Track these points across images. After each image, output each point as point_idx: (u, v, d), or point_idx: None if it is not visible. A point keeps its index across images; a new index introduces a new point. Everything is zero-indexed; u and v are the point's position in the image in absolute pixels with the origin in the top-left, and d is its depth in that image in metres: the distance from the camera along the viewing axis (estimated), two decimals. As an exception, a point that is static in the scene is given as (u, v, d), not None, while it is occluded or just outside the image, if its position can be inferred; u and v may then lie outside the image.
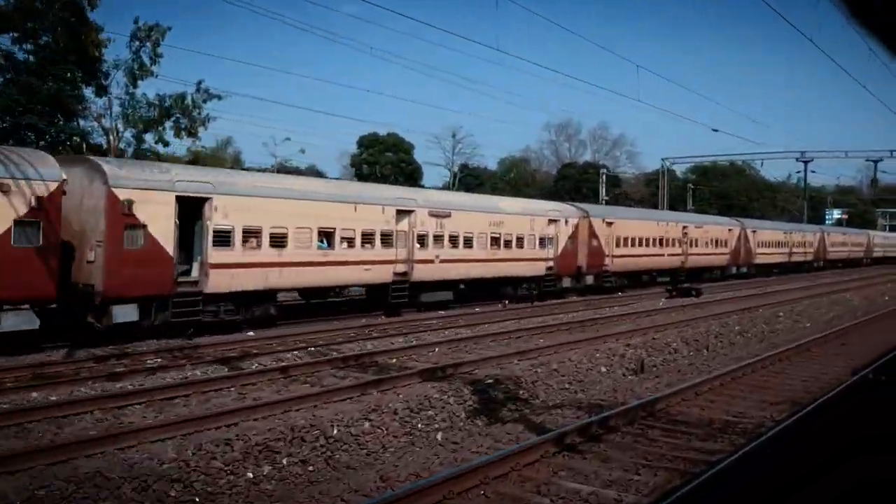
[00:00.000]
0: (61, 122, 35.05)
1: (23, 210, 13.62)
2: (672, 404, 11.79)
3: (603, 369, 15.57)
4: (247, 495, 8.23)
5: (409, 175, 69.60)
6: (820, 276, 51.11)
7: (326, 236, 19.41)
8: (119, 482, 7.87)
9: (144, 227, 15.23)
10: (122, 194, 14.92)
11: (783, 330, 22.89)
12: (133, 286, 14.99)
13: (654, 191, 66.21)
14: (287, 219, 18.02)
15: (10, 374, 13.11)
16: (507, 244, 26.04)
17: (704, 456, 8.97)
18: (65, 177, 14.09)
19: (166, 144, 38.23)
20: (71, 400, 11.22)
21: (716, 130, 62.49)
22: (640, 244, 34.57)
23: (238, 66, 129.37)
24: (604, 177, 68.63)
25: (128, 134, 37.22)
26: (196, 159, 51.33)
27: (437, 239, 22.88)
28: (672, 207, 62.37)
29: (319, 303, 24.33)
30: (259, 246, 17.51)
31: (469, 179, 78.39)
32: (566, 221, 29.26)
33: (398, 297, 21.63)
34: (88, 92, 35.28)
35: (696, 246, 39.90)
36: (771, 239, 51.25)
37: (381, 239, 20.87)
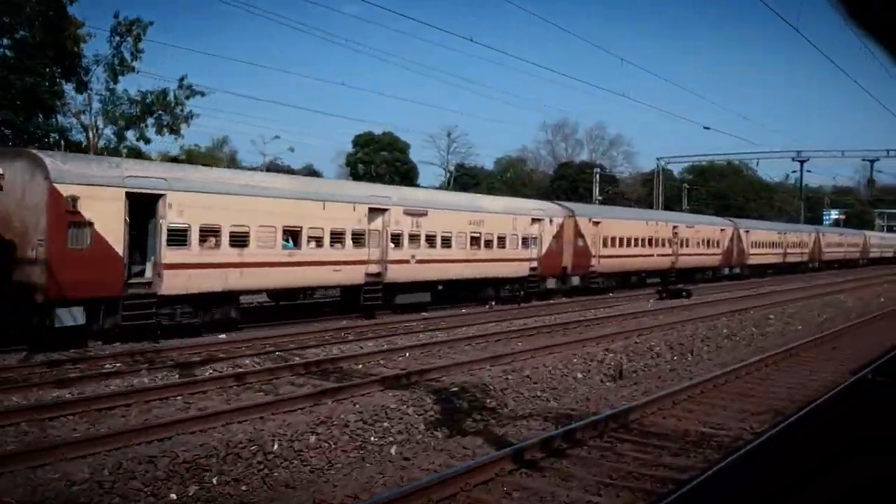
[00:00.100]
0: (40, 119, 34.41)
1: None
2: (646, 414, 11.13)
3: (579, 375, 14.91)
4: (165, 520, 7.54)
5: (405, 174, 69.48)
6: (815, 277, 50.64)
7: (292, 235, 18.69)
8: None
9: (91, 225, 14.49)
10: (65, 190, 14.17)
11: (773, 333, 22.28)
12: (78, 287, 14.24)
13: (650, 191, 65.94)
14: (249, 217, 17.30)
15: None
16: (488, 244, 25.38)
17: (673, 473, 8.30)
18: (1, 171, 13.34)
19: (148, 142, 37.79)
20: (-4, 411, 10.49)
21: (707, 128, 62.06)
22: (629, 244, 33.96)
23: (235, 65, 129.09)
24: (597, 176, 68.29)
25: (108, 131, 36.73)
26: (190, 158, 50.91)
27: (413, 238, 22.18)
28: (668, 207, 62.10)
29: (298, 305, 23.72)
30: (218, 245, 16.78)
31: (465, 179, 78.15)
32: (550, 221, 28.61)
33: (371, 299, 20.92)
34: (69, 88, 34.73)
35: (687, 246, 39.33)
36: (765, 239, 50.74)
37: (353, 238, 20.16)
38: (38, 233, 14.03)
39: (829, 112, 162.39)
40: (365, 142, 70.85)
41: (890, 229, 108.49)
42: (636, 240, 34.60)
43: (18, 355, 14.48)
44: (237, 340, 17.40)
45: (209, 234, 16.70)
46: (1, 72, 31.26)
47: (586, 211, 32.73)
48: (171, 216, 15.85)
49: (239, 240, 17.20)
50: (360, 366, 15.14)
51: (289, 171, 60.44)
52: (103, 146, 37.71)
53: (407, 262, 21.90)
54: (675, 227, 38.28)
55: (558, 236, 28.97)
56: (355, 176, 66.67)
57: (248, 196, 17.40)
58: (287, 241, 18.56)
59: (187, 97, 36.19)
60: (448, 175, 79.88)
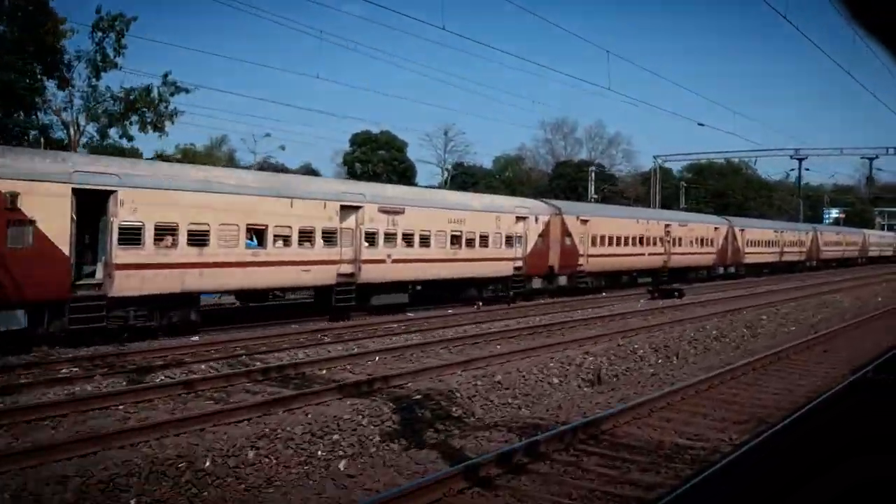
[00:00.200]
0: (21, 116, 33.79)
1: None
2: (620, 424, 10.43)
3: (555, 381, 14.23)
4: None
5: (402, 173, 69.36)
6: (812, 277, 50.03)
7: (257, 234, 17.96)
8: None
9: (33, 223, 13.74)
10: (3, 186, 13.41)
11: (765, 334, 21.61)
12: (18, 289, 13.49)
13: (649, 189, 65.63)
14: (209, 214, 16.56)
15: None
16: (470, 243, 24.66)
17: (640, 492, 7.61)
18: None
19: (131, 139, 37.42)
20: None
21: (701, 125, 61.65)
22: (619, 243, 33.27)
23: (232, 63, 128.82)
24: (593, 174, 67.83)
25: (90, 128, 36.17)
26: (185, 157, 50.48)
27: (389, 237, 21.45)
28: (666, 206, 61.63)
29: (279, 306, 23.07)
30: (175, 244, 16.03)
31: (464, 178, 77.76)
32: (536, 219, 27.92)
33: (344, 301, 20.18)
34: (51, 85, 34.17)
35: (680, 245, 38.67)
36: (761, 238, 50.12)
37: (323, 237, 19.41)
38: (-26, 232, 13.28)
39: (828, 110, 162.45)
40: (362, 141, 70.67)
41: (890, 228, 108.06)
42: (626, 238, 33.93)
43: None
44: (208, 343, 16.79)
45: (165, 232, 15.96)
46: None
47: (574, 209, 32.03)
48: (123, 214, 15.11)
49: (198, 238, 16.45)
50: (324, 371, 14.46)
51: (283, 169, 60.02)
52: (85, 144, 37.28)
53: (382, 261, 21.17)
54: (667, 226, 37.61)
55: (544, 235, 28.28)
56: (353, 175, 66.42)
57: (209, 193, 16.65)
58: (251, 239, 17.81)
59: (172, 94, 35.98)
60: (445, 174, 79.60)
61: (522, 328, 20.67)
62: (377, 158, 69.97)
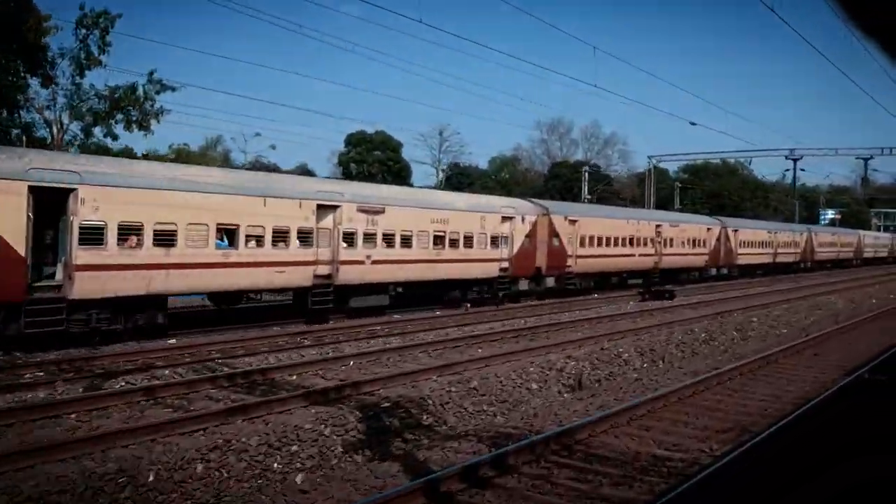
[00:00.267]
0: (3, 114, 33.32)
1: None
2: (596, 433, 9.97)
3: (534, 386, 13.76)
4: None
5: (397, 173, 69.36)
6: (806, 278, 49.80)
7: (228, 234, 17.43)
8: None
9: (-16, 222, 13.20)
10: (-48, 182, 12.89)
11: (755, 337, 21.18)
12: (-30, 292, 12.93)
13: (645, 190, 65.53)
14: (176, 213, 16.02)
15: None
16: (454, 243, 24.17)
17: (610, 510, 7.13)
18: None
19: (115, 138, 37.12)
20: None
21: (693, 124, 61.77)
22: (608, 244, 32.83)
23: (230, 64, 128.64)
24: (586, 174, 67.47)
25: (74, 127, 35.77)
26: (179, 157, 50.17)
27: (369, 237, 20.94)
28: (662, 207, 61.38)
29: (254, 308, 22.57)
30: (140, 244, 15.49)
31: (460, 178, 77.56)
32: (523, 219, 27.45)
33: (321, 303, 19.65)
34: (34, 83, 33.70)
35: (672, 246, 38.27)
36: (754, 239, 49.78)
37: (299, 237, 18.89)
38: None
39: (824, 111, 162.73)
40: (357, 141, 70.71)
41: (886, 229, 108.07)
42: (616, 239, 33.49)
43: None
44: (184, 346, 16.39)
45: (129, 232, 15.41)
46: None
47: (562, 209, 31.57)
48: (84, 213, 14.56)
49: (165, 238, 15.91)
50: (295, 377, 13.98)
51: (275, 168, 59.73)
52: (69, 142, 36.80)
53: (361, 262, 20.66)
54: (658, 226, 37.20)
55: (531, 235, 27.82)
56: (348, 175, 66.40)
57: (176, 191, 16.10)
58: (222, 240, 17.28)
59: (157, 92, 35.73)
60: (442, 174, 79.50)
61: (507, 331, 20.24)
62: (372, 159, 70.01)
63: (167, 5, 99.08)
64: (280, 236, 18.36)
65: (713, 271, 44.16)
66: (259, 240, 17.95)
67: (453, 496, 7.57)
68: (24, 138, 34.18)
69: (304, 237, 19.04)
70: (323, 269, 19.54)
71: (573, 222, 30.54)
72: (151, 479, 8.09)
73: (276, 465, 9.06)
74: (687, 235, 40.13)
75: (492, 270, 26.00)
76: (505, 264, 26.55)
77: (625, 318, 24.16)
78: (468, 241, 24.76)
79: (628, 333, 19.73)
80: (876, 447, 6.86)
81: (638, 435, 10.03)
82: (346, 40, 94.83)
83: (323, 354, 16.20)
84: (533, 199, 31.35)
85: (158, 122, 36.47)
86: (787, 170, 77.92)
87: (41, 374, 13.36)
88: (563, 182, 75.99)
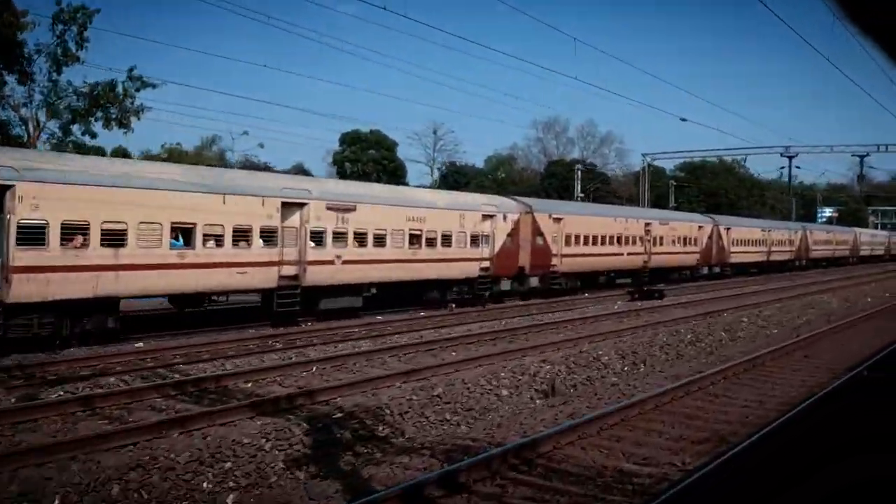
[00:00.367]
0: None
1: None
2: (561, 445, 9.26)
3: (505, 392, 13.06)
4: None
5: (392, 172, 69.29)
6: (801, 276, 49.27)
7: (184, 233, 16.66)
8: None
9: None
10: None
11: (744, 338, 20.54)
12: None
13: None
14: (127, 211, 15.26)
15: None
16: (431, 242, 23.46)
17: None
18: None
19: (94, 136, 36.80)
20: None
21: (684, 120, 61.25)
22: (595, 242, 32.17)
23: (226, 63, 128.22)
24: (579, 172, 67.09)
25: (52, 125, 35.21)
26: (172, 157, 49.62)
27: (339, 236, 20.20)
28: (659, 205, 61.02)
29: (231, 310, 21.88)
30: (86, 244, 14.72)
31: (456, 177, 77.28)
32: (504, 217, 26.77)
33: (287, 305, 18.90)
34: (11, 80, 33.04)
35: (661, 244, 37.64)
36: (747, 237, 49.24)
37: (262, 237, 18.15)
38: None
39: (820, 108, 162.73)
40: (352, 140, 70.64)
41: (884, 227, 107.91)
42: (603, 237, 32.83)
43: None
44: (151, 350, 15.79)
45: (74, 231, 14.64)
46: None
47: (546, 207, 30.91)
48: (22, 211, 13.78)
49: (114, 238, 15.15)
50: (250, 384, 13.25)
51: (265, 168, 59.18)
52: (46, 140, 36.24)
53: (331, 262, 19.92)
54: (647, 224, 36.57)
55: (514, 234, 27.13)
56: (342, 174, 66.24)
57: (127, 188, 15.34)
58: (177, 239, 16.52)
59: (138, 89, 35.38)
60: (437, 173, 79.22)
61: (485, 333, 19.57)
62: (367, 158, 70.03)
63: (166, 5, 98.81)
64: (241, 235, 17.61)
65: (705, 270, 43.59)
66: (218, 239, 17.20)
67: (391, 521, 6.86)
68: (-1, 136, 33.57)
69: (268, 236, 18.30)
70: (289, 270, 18.79)
71: (558, 220, 29.87)
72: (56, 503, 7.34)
73: (205, 484, 8.33)
74: (677, 234, 39.52)
75: (472, 270, 25.30)
76: (486, 264, 25.87)
77: (610, 318, 23.50)
78: (446, 240, 24.06)
79: (611, 335, 19.07)
80: (875, 446, 6.39)
81: (607, 447, 9.34)
82: (342, 40, 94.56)
83: (285, 359, 15.50)
84: (516, 197, 30.71)
85: (139, 119, 36.21)
86: (783, 167, 77.50)
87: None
88: (560, 181, 75.78)
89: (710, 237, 43.11)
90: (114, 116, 35.55)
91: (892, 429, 8.11)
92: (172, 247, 16.27)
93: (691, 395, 12.30)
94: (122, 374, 13.54)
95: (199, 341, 17.28)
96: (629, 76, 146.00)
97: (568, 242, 30.21)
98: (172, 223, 16.15)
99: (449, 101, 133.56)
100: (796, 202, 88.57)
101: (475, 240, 25.34)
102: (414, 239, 22.85)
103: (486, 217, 25.94)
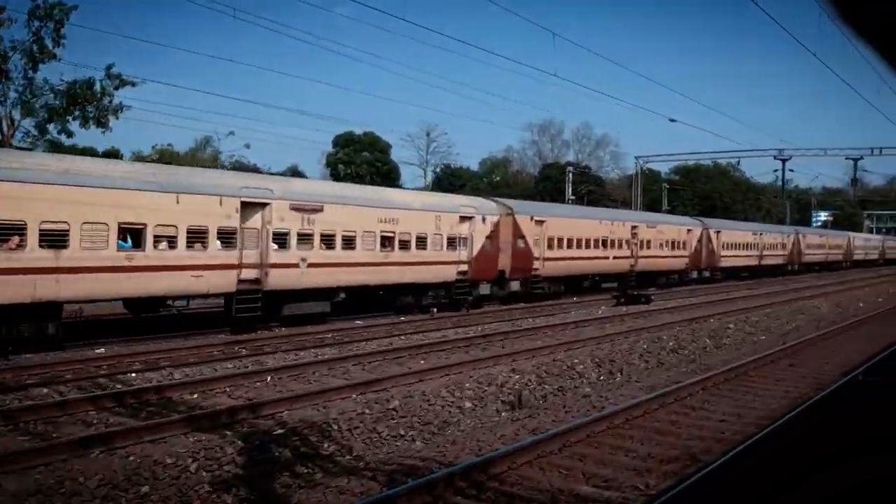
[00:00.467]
0: None
1: None
2: (518, 465, 8.55)
3: (468, 405, 12.35)
4: None
5: (386, 174, 69.14)
6: (793, 281, 48.83)
7: (133, 234, 15.88)
8: None
9: None
10: None
11: (729, 345, 19.90)
12: None
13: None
14: (69, 211, 14.48)
15: None
16: (404, 245, 22.74)
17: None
18: None
19: (70, 135, 36.06)
20: None
21: (673, 120, 61.07)
22: (579, 245, 31.52)
23: (222, 63, 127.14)
24: (570, 175, 66.66)
25: (27, 123, 34.47)
26: (163, 158, 48.86)
27: (304, 238, 19.44)
28: (652, 208, 60.65)
29: (206, 314, 21.19)
30: (23, 246, 13.94)
31: (451, 180, 77.02)
32: (483, 219, 26.08)
33: (248, 311, 18.12)
34: None
35: (649, 248, 37.05)
36: (738, 240, 48.74)
37: (220, 238, 17.38)
38: None
39: (814, 111, 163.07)
40: (345, 142, 70.51)
41: (879, 231, 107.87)
42: (588, 240, 32.18)
43: None
44: (109, 357, 15.21)
45: (9, 232, 13.87)
46: None
47: (527, 208, 30.23)
48: (-51, 209, 13.02)
49: (54, 239, 14.36)
50: (196, 395, 12.53)
51: (254, 169, 58.49)
52: (21, 140, 35.49)
53: (295, 266, 19.16)
54: (633, 227, 35.96)
55: (493, 236, 26.44)
56: (336, 176, 65.86)
57: (68, 186, 14.55)
58: (125, 240, 15.75)
59: (116, 87, 34.50)
60: (431, 175, 78.82)
61: (459, 339, 18.91)
62: (360, 160, 69.93)
63: (167, 5, 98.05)
64: (196, 237, 16.84)
65: (694, 274, 43.03)
66: (171, 241, 16.41)
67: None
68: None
69: (227, 238, 17.54)
70: (249, 274, 18.02)
71: (540, 223, 29.20)
72: (-65, 536, 6.58)
73: (116, 511, 7.58)
74: (665, 237, 38.94)
75: (449, 274, 24.58)
76: (464, 267, 25.16)
77: (591, 324, 22.85)
78: (421, 242, 23.34)
79: (590, 342, 18.43)
80: (872, 448, 5.91)
81: (567, 467, 8.63)
82: (336, 42, 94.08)
83: (240, 368, 14.79)
84: (497, 199, 30.01)
85: (117, 118, 35.50)
86: (776, 170, 77.25)
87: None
88: (554, 183, 75.43)
89: (699, 240, 42.56)
90: (91, 115, 34.84)
91: (888, 431, 7.56)
92: (120, 248, 15.49)
93: (666, 407, 11.62)
94: (70, 383, 12.94)
95: (161, 347, 16.62)
96: (624, 78, 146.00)
97: (551, 245, 29.55)
98: (120, 223, 15.37)
99: (443, 102, 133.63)
100: (791, 206, 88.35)
101: (452, 242, 24.64)
102: (386, 241, 22.13)
103: (464, 219, 25.24)
